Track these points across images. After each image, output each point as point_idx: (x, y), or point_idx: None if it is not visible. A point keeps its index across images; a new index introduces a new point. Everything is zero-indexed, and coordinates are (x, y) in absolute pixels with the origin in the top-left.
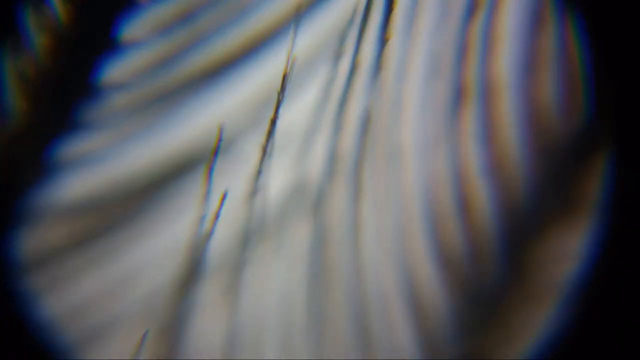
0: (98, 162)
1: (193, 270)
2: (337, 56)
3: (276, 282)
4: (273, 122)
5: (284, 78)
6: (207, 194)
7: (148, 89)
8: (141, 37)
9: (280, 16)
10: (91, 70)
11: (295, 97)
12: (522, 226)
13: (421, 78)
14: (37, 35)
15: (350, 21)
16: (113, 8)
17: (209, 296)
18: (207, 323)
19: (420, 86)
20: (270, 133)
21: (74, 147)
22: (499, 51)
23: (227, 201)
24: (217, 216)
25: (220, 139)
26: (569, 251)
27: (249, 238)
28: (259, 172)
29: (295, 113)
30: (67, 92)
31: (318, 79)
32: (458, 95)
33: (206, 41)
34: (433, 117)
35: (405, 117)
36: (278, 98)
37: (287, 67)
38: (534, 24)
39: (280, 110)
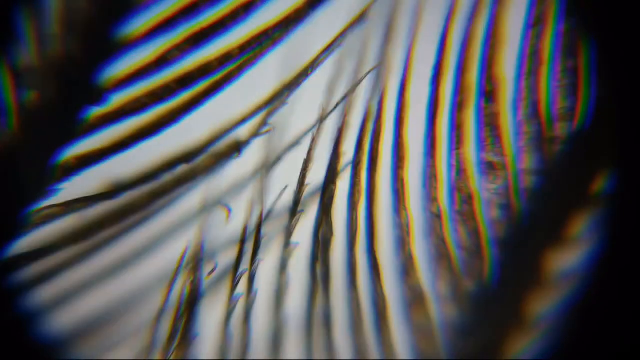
0: (98, 162)
1: (194, 269)
2: (340, 59)
3: (275, 283)
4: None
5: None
6: (208, 194)
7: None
8: (141, 37)
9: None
10: (92, 70)
11: (296, 99)
12: (524, 225)
13: (422, 78)
14: (37, 36)
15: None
16: (113, 8)
17: (209, 296)
18: (206, 322)
19: (422, 86)
20: (274, 137)
21: (75, 147)
22: (501, 52)
23: (228, 205)
24: (218, 220)
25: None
26: (571, 247)
27: (249, 241)
28: (261, 176)
29: (297, 115)
30: (68, 93)
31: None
32: (459, 96)
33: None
34: (434, 118)
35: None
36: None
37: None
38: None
39: (283, 116)
